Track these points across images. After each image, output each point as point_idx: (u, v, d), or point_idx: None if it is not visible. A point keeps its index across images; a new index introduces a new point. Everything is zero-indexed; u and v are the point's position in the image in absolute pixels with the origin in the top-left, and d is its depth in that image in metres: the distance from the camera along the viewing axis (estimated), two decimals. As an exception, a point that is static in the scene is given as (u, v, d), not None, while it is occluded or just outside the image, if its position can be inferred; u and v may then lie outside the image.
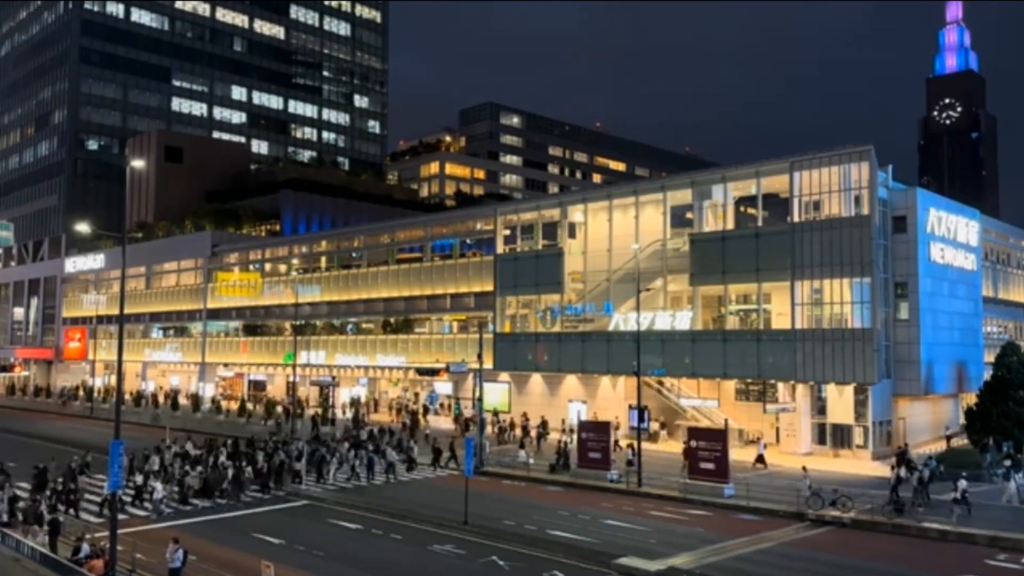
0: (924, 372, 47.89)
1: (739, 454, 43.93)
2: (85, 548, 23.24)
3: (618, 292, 53.72)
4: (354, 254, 75.20)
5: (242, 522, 31.46)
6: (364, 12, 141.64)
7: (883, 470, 40.94)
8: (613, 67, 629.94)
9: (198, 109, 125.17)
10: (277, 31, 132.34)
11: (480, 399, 48.61)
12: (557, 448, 43.42)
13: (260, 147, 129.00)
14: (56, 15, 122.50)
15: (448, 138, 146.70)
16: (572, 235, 59.01)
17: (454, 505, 31.63)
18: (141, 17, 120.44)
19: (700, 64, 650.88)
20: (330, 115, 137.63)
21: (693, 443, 36.16)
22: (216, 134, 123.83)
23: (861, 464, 43.30)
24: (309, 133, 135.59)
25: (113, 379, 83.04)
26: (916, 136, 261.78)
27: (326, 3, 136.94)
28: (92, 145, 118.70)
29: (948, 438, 50.20)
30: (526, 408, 59.29)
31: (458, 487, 33.20)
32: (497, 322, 60.44)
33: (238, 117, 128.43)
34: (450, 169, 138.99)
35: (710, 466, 35.03)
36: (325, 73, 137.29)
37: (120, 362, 25.37)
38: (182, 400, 76.70)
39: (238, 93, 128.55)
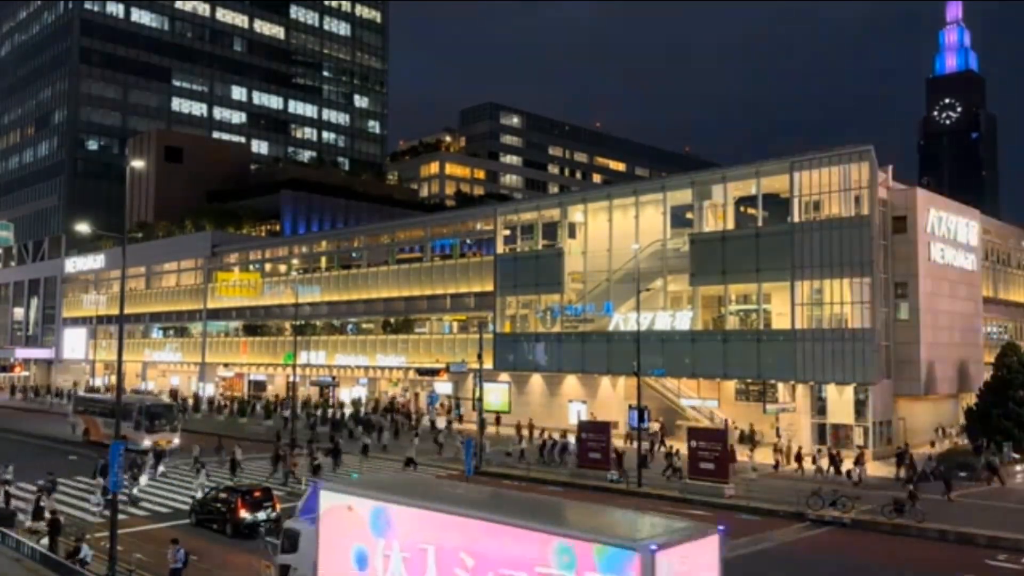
0: (924, 372, 47.87)
1: (743, 455, 43.94)
2: (85, 548, 23.25)
3: (618, 292, 53.72)
4: (354, 254, 75.20)
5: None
6: (364, 12, 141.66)
7: (884, 470, 41.04)
8: (613, 67, 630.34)
9: (198, 109, 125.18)
10: (277, 31, 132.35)
11: (480, 399, 48.62)
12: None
13: (260, 147, 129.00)
14: (56, 15, 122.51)
15: (448, 138, 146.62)
16: (572, 235, 59.01)
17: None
18: (141, 17, 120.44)
19: (700, 64, 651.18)
20: (330, 115, 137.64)
21: (693, 443, 36.13)
22: (216, 134, 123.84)
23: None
24: (309, 133, 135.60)
25: (113, 379, 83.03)
26: (916, 136, 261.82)
27: (326, 3, 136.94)
28: (92, 145, 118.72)
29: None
30: (526, 408, 59.31)
31: (458, 487, 33.16)
32: (497, 322, 60.44)
33: (238, 117, 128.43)
34: (450, 169, 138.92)
35: (710, 466, 35.01)
36: (325, 73, 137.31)
37: (120, 362, 25.37)
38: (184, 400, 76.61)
39: (238, 93, 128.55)
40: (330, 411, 65.36)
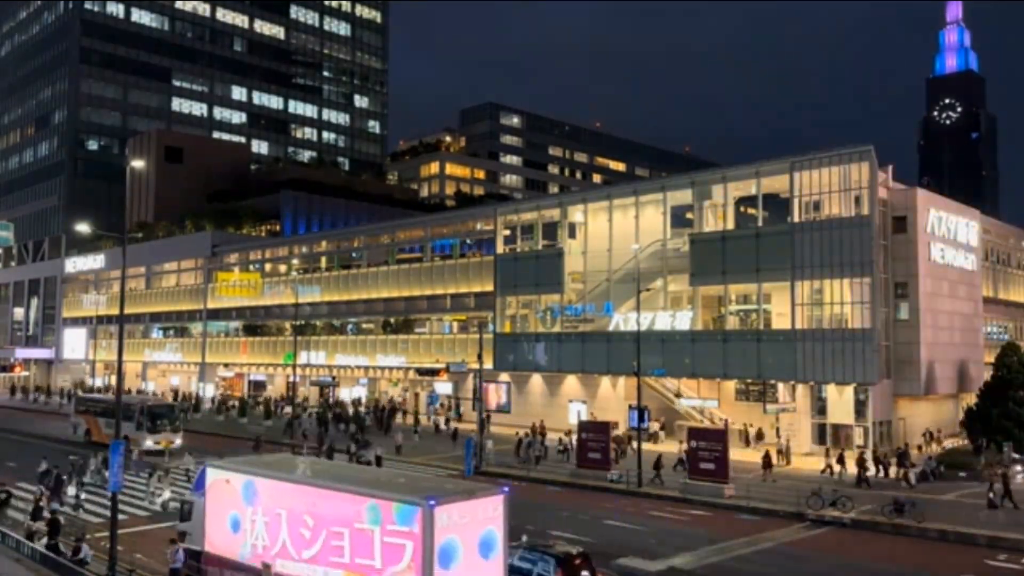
0: (924, 372, 47.87)
1: (744, 455, 44.01)
2: (85, 548, 23.25)
3: (618, 292, 53.72)
4: (354, 254, 75.19)
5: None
6: (364, 12, 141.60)
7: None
8: (613, 68, 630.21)
9: (198, 109, 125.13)
10: (277, 31, 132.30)
11: (480, 399, 48.60)
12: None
13: (260, 147, 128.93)
14: (56, 15, 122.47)
15: (448, 138, 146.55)
16: (572, 235, 59.02)
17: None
18: (141, 17, 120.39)
19: (700, 65, 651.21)
20: (330, 115, 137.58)
21: (693, 443, 36.09)
22: (216, 134, 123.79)
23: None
24: (309, 133, 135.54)
25: (113, 379, 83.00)
26: (916, 136, 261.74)
27: (326, 3, 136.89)
28: (92, 145, 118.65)
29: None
30: (526, 408, 59.32)
31: (458, 487, 33.13)
32: (497, 322, 60.43)
33: (238, 117, 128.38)
34: (450, 169, 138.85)
35: (710, 466, 35.00)
36: (325, 73, 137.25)
37: (120, 362, 25.35)
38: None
39: (238, 93, 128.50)
40: (317, 411, 65.30)
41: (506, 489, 18.81)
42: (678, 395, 52.45)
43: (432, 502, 16.83)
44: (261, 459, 24.43)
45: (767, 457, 40.32)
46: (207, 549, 21.24)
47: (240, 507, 20.37)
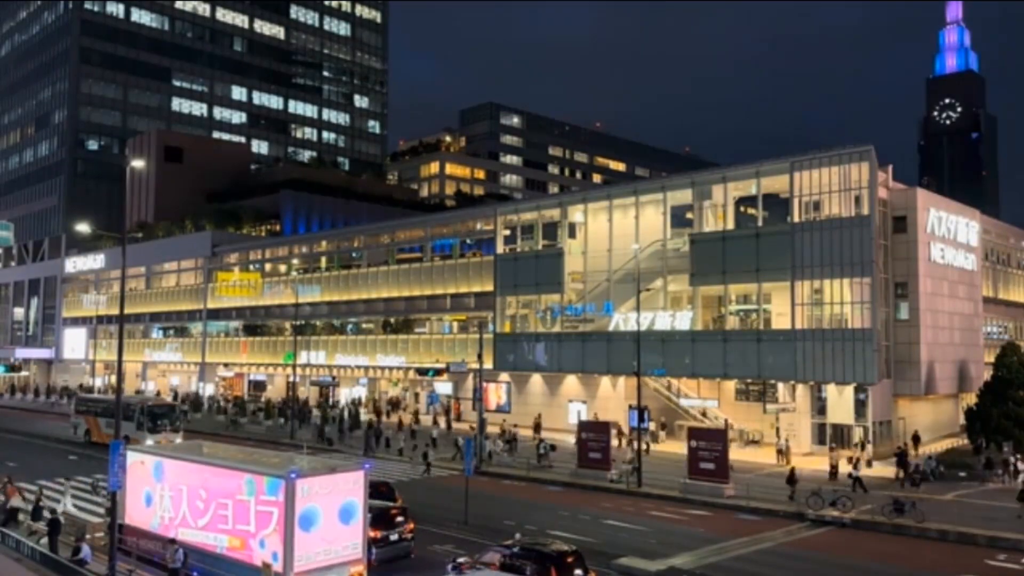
0: (924, 372, 47.87)
1: (743, 455, 43.99)
2: (85, 548, 23.24)
3: (618, 292, 53.72)
4: (354, 254, 75.18)
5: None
6: (364, 12, 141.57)
7: (884, 470, 41.02)
8: (613, 68, 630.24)
9: (198, 109, 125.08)
10: (277, 31, 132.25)
11: (480, 399, 48.60)
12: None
13: (260, 147, 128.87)
14: (56, 15, 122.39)
15: (448, 138, 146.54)
16: (572, 235, 59.01)
17: (454, 505, 31.63)
18: (141, 17, 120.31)
19: (701, 65, 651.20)
20: (330, 115, 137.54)
21: (693, 443, 36.06)
22: (216, 134, 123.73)
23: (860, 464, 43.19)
24: (309, 133, 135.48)
25: (113, 379, 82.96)
26: (916, 136, 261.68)
27: (326, 3, 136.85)
28: (92, 145, 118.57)
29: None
30: (526, 408, 59.32)
31: (458, 487, 33.19)
32: (497, 322, 60.42)
33: (238, 117, 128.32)
34: (450, 169, 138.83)
35: (710, 466, 34.99)
36: (325, 73, 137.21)
37: (120, 362, 25.32)
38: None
39: (238, 93, 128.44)
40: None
41: (367, 465, 21.83)
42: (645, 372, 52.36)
43: (294, 475, 19.70)
44: (172, 444, 29.10)
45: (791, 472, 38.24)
46: (126, 522, 24.46)
47: (152, 484, 23.96)
